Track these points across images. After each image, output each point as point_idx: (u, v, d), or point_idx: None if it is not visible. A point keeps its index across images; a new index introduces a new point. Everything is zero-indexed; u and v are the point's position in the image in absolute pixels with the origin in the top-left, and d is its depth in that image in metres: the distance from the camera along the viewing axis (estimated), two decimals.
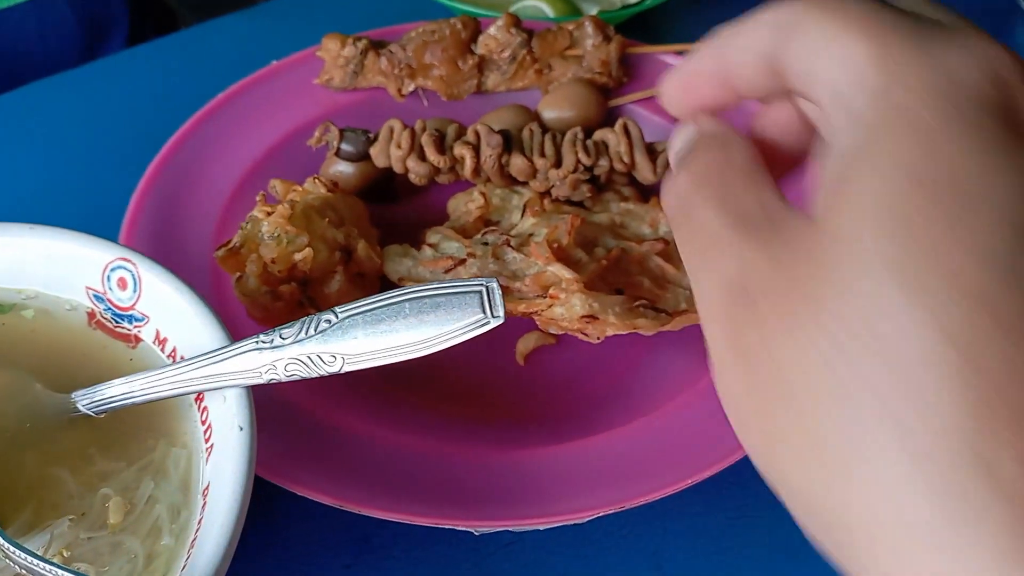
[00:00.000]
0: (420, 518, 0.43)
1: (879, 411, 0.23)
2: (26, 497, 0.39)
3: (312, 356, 0.38)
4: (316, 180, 0.55)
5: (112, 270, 0.44)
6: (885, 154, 0.25)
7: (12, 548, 0.35)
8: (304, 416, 0.49)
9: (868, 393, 0.24)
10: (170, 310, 0.43)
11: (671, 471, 0.45)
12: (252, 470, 0.37)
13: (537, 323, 0.51)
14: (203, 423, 0.41)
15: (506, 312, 0.37)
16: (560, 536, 0.46)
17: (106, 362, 0.44)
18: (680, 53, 0.67)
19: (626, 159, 0.58)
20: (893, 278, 0.24)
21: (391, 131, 0.58)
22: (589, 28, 0.65)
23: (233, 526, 0.35)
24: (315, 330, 0.38)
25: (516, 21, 0.65)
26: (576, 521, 0.44)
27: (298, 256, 0.50)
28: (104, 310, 0.45)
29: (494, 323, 0.37)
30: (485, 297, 0.37)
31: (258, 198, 0.53)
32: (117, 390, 0.41)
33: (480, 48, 0.65)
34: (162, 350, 0.44)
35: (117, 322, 0.45)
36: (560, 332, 0.51)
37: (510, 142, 0.58)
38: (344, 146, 0.58)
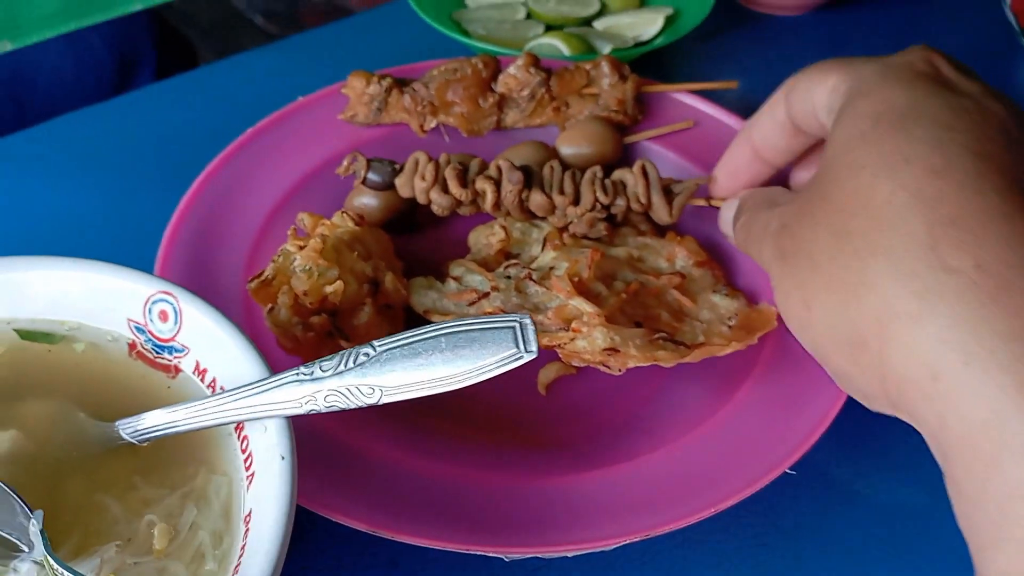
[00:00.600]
0: (451, 544, 0.45)
1: (875, 250, 0.35)
2: (72, 523, 0.40)
3: (351, 388, 0.39)
4: (344, 214, 0.56)
5: (154, 303, 0.46)
6: (852, 115, 0.39)
7: (65, 572, 0.36)
8: (334, 443, 0.50)
9: (865, 241, 0.35)
10: (210, 342, 0.44)
11: (694, 500, 0.46)
12: (294, 498, 0.38)
13: (560, 355, 0.53)
14: (243, 451, 0.42)
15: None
16: (587, 562, 0.48)
17: (146, 392, 0.46)
18: (694, 92, 0.69)
19: (643, 200, 0.59)
20: (867, 171, 0.36)
21: (416, 163, 0.59)
22: (606, 68, 0.67)
23: (278, 552, 0.37)
24: (354, 363, 0.40)
25: (535, 61, 0.67)
26: (603, 548, 0.45)
27: (329, 288, 0.52)
28: (145, 341, 0.46)
29: (528, 357, 0.38)
30: (519, 332, 0.39)
31: (290, 232, 0.55)
32: (161, 419, 0.42)
33: (500, 86, 0.67)
34: (202, 380, 0.45)
35: (158, 353, 0.46)
36: (583, 364, 0.53)
37: (531, 178, 0.60)
38: (371, 175, 0.60)
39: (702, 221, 0.64)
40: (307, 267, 0.52)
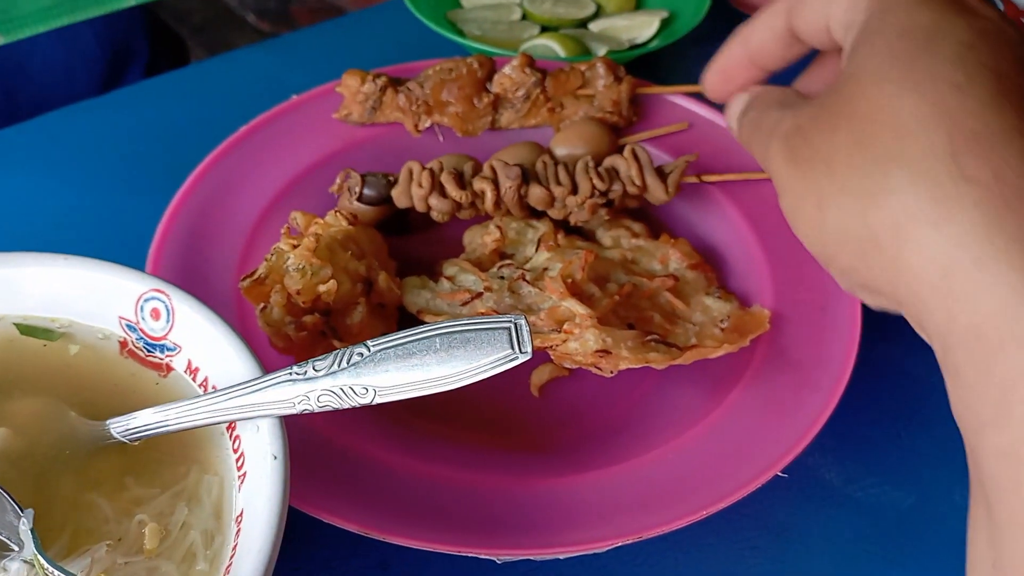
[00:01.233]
0: (443, 546, 0.45)
1: (896, 157, 0.36)
2: (63, 522, 0.40)
3: (344, 388, 0.39)
4: (337, 214, 0.56)
5: (146, 301, 0.45)
6: (876, 30, 0.40)
7: (56, 571, 0.36)
8: (325, 443, 0.50)
9: (886, 149, 0.37)
10: (202, 340, 0.44)
11: (686, 502, 0.47)
12: (286, 498, 0.38)
13: (552, 357, 0.53)
14: (235, 451, 0.42)
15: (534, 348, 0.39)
16: (579, 564, 0.48)
17: (136, 390, 0.46)
18: (689, 94, 0.69)
19: (637, 182, 0.60)
20: (892, 83, 0.38)
21: (410, 172, 0.59)
22: (601, 69, 0.67)
23: (269, 553, 0.36)
24: (347, 362, 0.40)
25: (530, 61, 0.67)
26: (595, 551, 0.45)
27: (322, 288, 0.52)
28: (136, 339, 0.46)
29: (522, 358, 0.38)
30: (513, 333, 0.39)
31: (283, 230, 0.54)
32: (152, 418, 0.42)
33: (495, 87, 0.66)
34: (193, 379, 0.45)
35: (149, 351, 0.46)
36: (574, 366, 0.53)
37: (526, 175, 0.60)
38: (367, 191, 0.60)
39: (695, 224, 0.64)
40: (300, 266, 0.52)
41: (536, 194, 0.59)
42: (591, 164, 0.60)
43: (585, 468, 0.50)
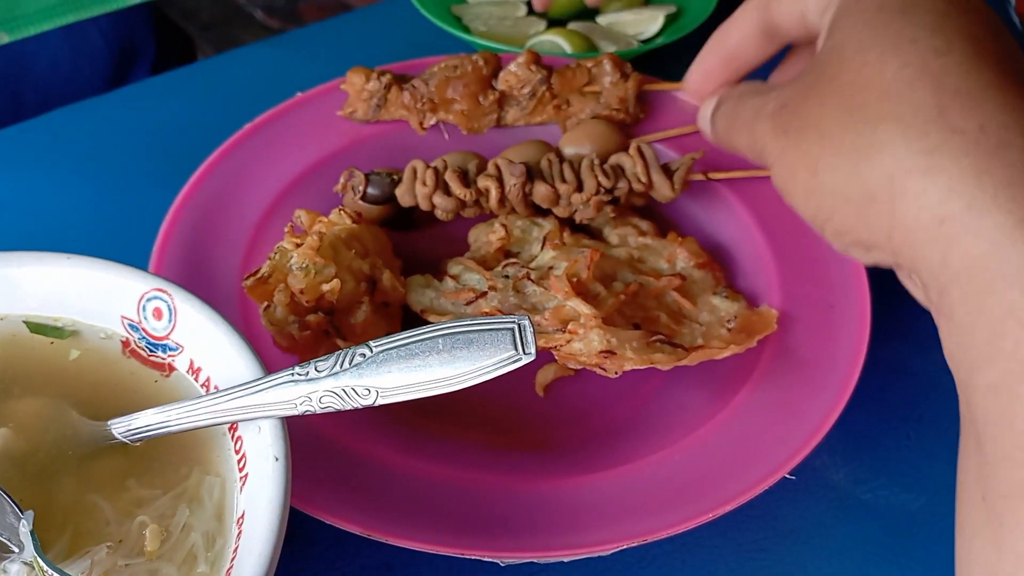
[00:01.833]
0: (446, 548, 0.44)
1: (885, 116, 0.38)
2: (63, 523, 0.40)
3: (347, 389, 0.39)
4: (342, 211, 0.56)
5: (148, 300, 0.45)
6: (852, 8, 0.42)
7: (55, 574, 0.36)
8: (327, 444, 0.50)
9: (875, 110, 0.38)
10: (205, 341, 0.44)
11: (693, 505, 0.46)
12: (288, 500, 0.38)
13: (556, 357, 0.52)
14: (237, 452, 0.42)
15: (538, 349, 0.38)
16: (583, 567, 0.47)
17: (138, 390, 0.45)
18: None
19: (643, 179, 0.59)
20: (875, 51, 0.40)
21: (414, 171, 0.59)
22: (607, 66, 0.66)
23: (270, 555, 0.36)
24: (350, 363, 0.39)
25: (536, 58, 0.66)
26: (600, 553, 0.45)
27: (326, 287, 0.51)
28: (139, 339, 0.46)
29: (526, 360, 0.38)
30: (517, 334, 0.38)
31: (286, 229, 0.54)
32: (154, 419, 0.42)
33: (500, 84, 0.66)
34: (196, 379, 0.45)
35: (151, 351, 0.46)
36: (579, 366, 0.52)
37: (531, 173, 0.60)
38: (371, 190, 0.59)
39: (703, 222, 0.63)
40: (304, 265, 0.52)
41: (541, 192, 0.59)
42: (596, 162, 0.60)
43: (590, 469, 0.49)
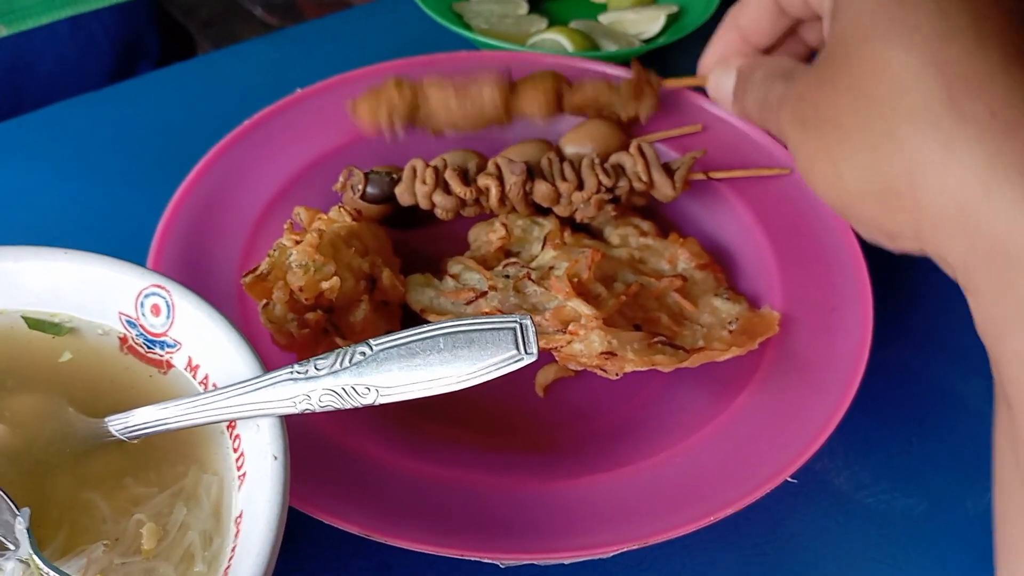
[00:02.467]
0: (445, 549, 0.44)
1: (899, 111, 0.39)
2: (59, 521, 0.39)
3: (346, 388, 0.39)
4: (341, 209, 0.55)
5: (146, 296, 0.45)
6: None
7: (51, 572, 0.35)
8: (327, 443, 0.49)
9: (889, 105, 0.39)
10: (203, 338, 0.43)
11: (693, 508, 0.46)
12: (286, 500, 0.38)
13: (556, 358, 0.52)
14: (235, 451, 0.41)
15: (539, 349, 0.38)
16: (583, 569, 0.47)
17: (135, 387, 0.45)
18: (694, 88, 0.68)
19: (644, 178, 0.59)
20: (880, 40, 0.40)
21: (414, 170, 0.58)
22: (625, 91, 0.65)
23: (268, 555, 0.36)
24: (350, 362, 0.39)
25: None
26: (601, 556, 0.44)
27: (325, 285, 0.51)
28: (136, 335, 0.45)
29: (528, 360, 0.38)
30: (519, 334, 0.38)
31: (286, 226, 0.54)
32: (151, 416, 0.41)
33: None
34: (194, 376, 0.44)
35: (149, 347, 0.45)
36: (579, 368, 0.52)
37: (531, 171, 0.60)
38: (370, 189, 0.59)
39: (704, 222, 0.63)
40: (303, 262, 0.51)
41: (541, 190, 0.59)
42: (597, 160, 0.60)
43: (590, 471, 0.49)
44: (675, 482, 0.48)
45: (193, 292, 0.44)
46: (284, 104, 0.66)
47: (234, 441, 0.42)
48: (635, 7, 0.82)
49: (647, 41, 0.80)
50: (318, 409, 0.39)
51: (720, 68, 0.56)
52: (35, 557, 0.36)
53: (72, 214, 0.65)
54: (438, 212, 0.59)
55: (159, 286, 0.44)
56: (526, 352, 0.38)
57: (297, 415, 0.39)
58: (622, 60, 0.74)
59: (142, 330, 0.45)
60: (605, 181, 0.59)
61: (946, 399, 0.56)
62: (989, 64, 0.38)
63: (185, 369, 0.45)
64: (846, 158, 0.42)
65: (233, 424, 0.42)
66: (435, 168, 0.59)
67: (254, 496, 0.38)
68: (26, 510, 0.37)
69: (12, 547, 0.37)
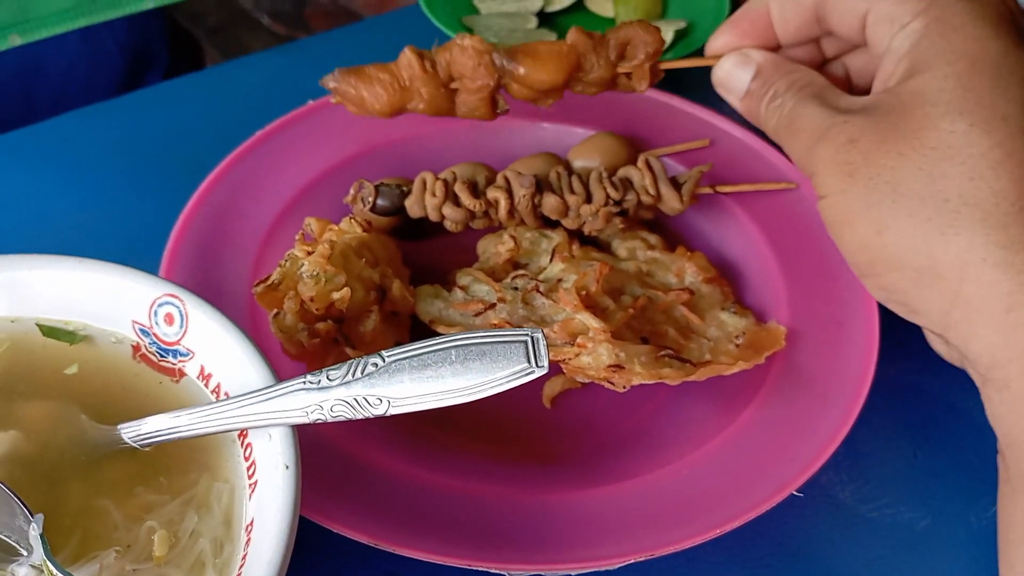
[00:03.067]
0: (453, 559, 0.44)
1: (967, 199, 0.39)
2: (72, 527, 0.40)
3: (358, 398, 0.39)
4: (352, 220, 0.56)
5: (160, 305, 0.45)
6: (941, 51, 0.41)
7: None
8: (335, 451, 0.50)
9: (957, 189, 0.39)
10: (216, 347, 0.44)
11: (700, 521, 0.46)
12: (297, 509, 0.38)
13: (564, 370, 0.52)
14: (246, 459, 0.42)
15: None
16: None
17: (148, 395, 0.45)
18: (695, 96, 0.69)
19: (651, 191, 0.59)
20: (965, 118, 0.40)
21: (424, 183, 0.59)
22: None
23: (279, 563, 0.36)
24: (362, 372, 0.39)
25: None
26: (607, 567, 0.45)
27: (336, 295, 0.51)
28: (149, 344, 0.46)
29: (539, 372, 0.38)
30: (530, 347, 0.38)
31: (297, 237, 0.54)
32: (163, 424, 0.42)
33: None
34: (206, 385, 0.45)
35: (162, 356, 0.46)
36: (587, 380, 0.52)
37: (540, 185, 0.60)
38: (380, 201, 0.59)
39: (711, 236, 0.63)
40: (314, 273, 0.52)
41: (550, 203, 0.59)
42: (604, 174, 0.60)
43: (597, 482, 0.49)
44: (681, 495, 0.48)
45: (207, 302, 0.44)
46: (296, 116, 0.67)
47: (245, 450, 0.42)
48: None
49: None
50: (330, 419, 0.39)
51: (737, 56, 0.51)
52: (49, 563, 0.36)
53: (83, 223, 0.66)
54: (447, 224, 0.59)
55: (173, 295, 0.45)
56: (537, 365, 0.38)
57: (308, 425, 0.40)
58: None
59: (155, 339, 0.46)
60: (613, 194, 0.59)
61: (951, 414, 0.56)
62: None
63: (197, 378, 0.45)
64: (893, 226, 0.41)
65: (245, 433, 0.42)
66: (445, 181, 0.59)
67: (265, 505, 0.39)
68: (40, 516, 0.37)
69: (25, 553, 0.38)
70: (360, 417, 0.39)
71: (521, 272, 0.58)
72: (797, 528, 0.51)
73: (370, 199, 0.60)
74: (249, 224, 0.60)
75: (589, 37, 0.58)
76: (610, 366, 0.51)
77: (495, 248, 0.60)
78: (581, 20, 0.86)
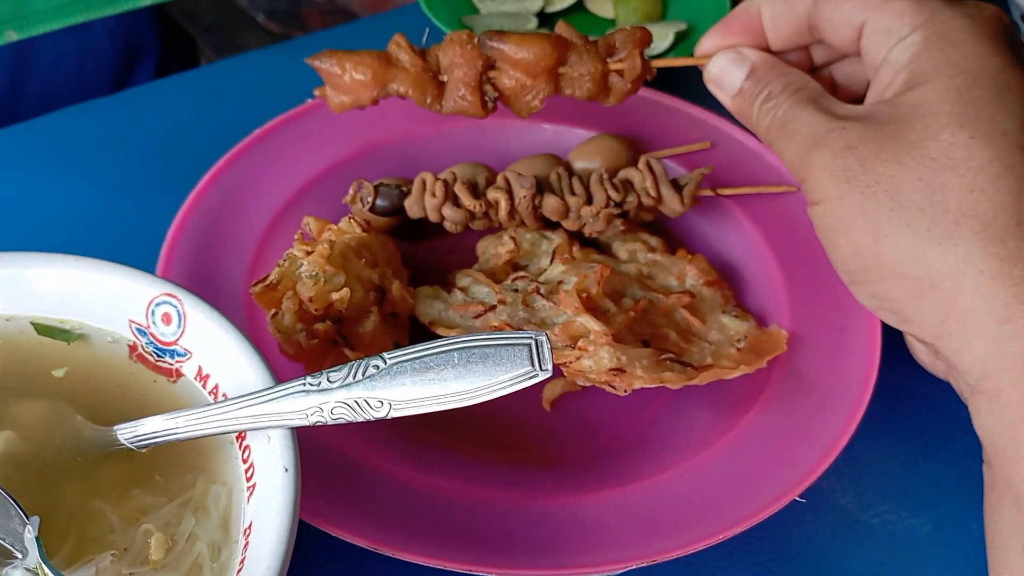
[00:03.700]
0: (452, 564, 0.44)
1: (966, 211, 0.39)
2: (67, 529, 0.39)
3: (359, 401, 0.39)
4: (351, 220, 0.55)
5: (157, 305, 0.45)
6: (941, 66, 0.42)
7: None
8: (334, 455, 0.49)
9: (957, 200, 0.39)
10: (214, 348, 0.43)
11: (701, 526, 0.46)
12: (297, 512, 0.37)
13: (564, 373, 0.52)
14: (244, 461, 0.41)
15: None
16: None
17: (144, 396, 0.45)
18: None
19: (652, 193, 0.59)
20: (966, 131, 0.40)
21: (424, 183, 0.59)
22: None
23: (279, 568, 0.36)
24: (363, 375, 0.39)
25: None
26: (608, 573, 0.44)
27: (335, 296, 0.51)
28: (146, 344, 0.45)
29: (542, 376, 0.38)
30: (534, 350, 0.38)
31: (296, 236, 0.54)
32: (160, 425, 0.41)
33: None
34: (204, 386, 0.44)
35: (159, 356, 0.45)
36: (588, 383, 0.52)
37: (540, 186, 0.60)
38: (379, 201, 0.59)
39: (712, 239, 0.63)
40: (313, 273, 0.51)
41: (550, 204, 0.59)
42: (605, 176, 0.60)
43: (598, 487, 0.49)
44: (683, 500, 0.48)
45: (205, 302, 0.44)
46: (296, 114, 0.66)
47: (243, 452, 0.41)
48: (644, 24, 0.82)
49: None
50: (330, 422, 0.39)
51: (732, 54, 0.51)
52: (44, 566, 0.36)
53: (79, 221, 0.65)
54: (447, 225, 0.59)
55: (171, 295, 0.44)
56: (541, 368, 0.38)
57: (308, 427, 0.39)
58: None
59: (152, 339, 0.45)
60: (614, 196, 0.59)
61: (952, 421, 0.56)
62: None
63: (195, 379, 0.44)
64: (891, 235, 0.41)
65: (243, 435, 0.42)
66: (444, 181, 0.59)
67: (264, 508, 0.38)
68: (35, 518, 0.37)
69: (20, 555, 0.37)
70: (361, 420, 0.39)
71: (521, 274, 0.58)
72: (798, 534, 0.51)
73: (369, 199, 0.59)
74: (247, 223, 0.60)
75: (577, 34, 0.58)
76: (611, 369, 0.50)
77: (495, 249, 0.60)
78: (581, 21, 0.86)
